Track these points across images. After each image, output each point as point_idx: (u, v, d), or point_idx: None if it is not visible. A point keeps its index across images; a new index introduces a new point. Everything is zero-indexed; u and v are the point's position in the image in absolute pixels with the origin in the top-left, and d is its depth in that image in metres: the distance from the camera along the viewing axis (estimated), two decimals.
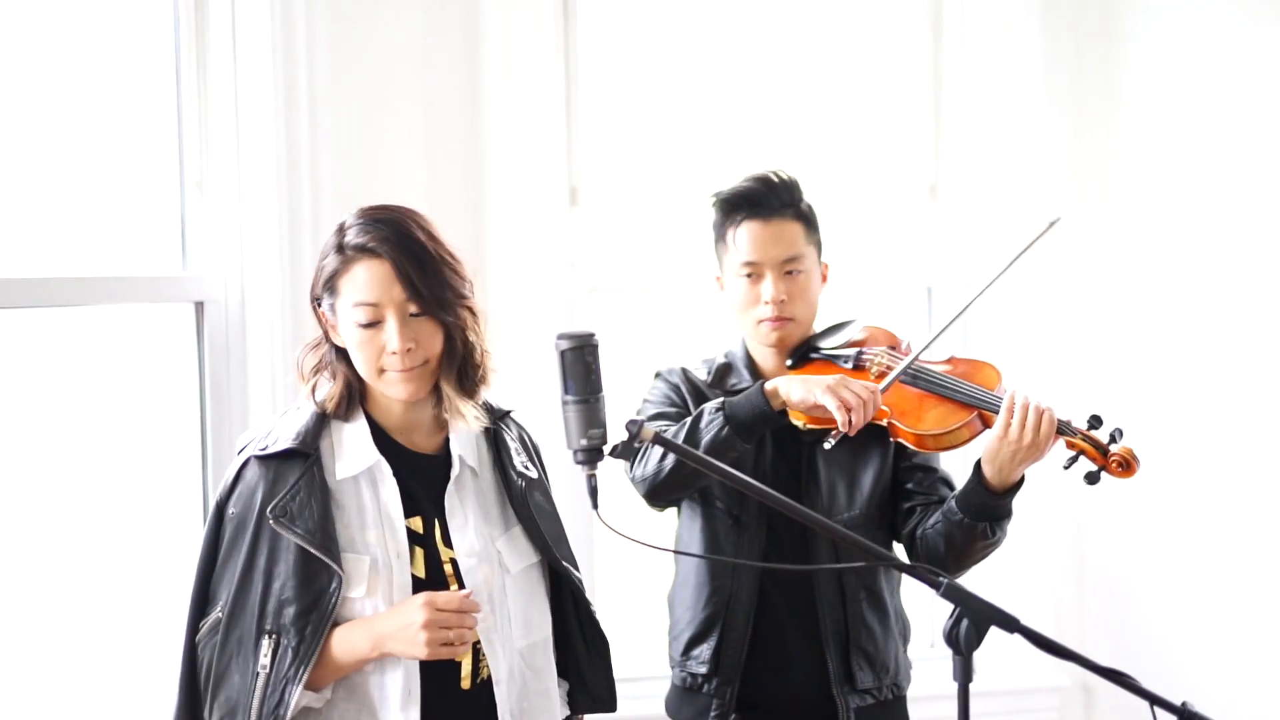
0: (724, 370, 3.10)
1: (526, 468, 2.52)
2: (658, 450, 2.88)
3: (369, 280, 2.31)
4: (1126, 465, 2.76)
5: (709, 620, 3.01)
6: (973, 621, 2.13)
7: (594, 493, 2.16)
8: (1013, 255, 3.02)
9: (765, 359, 3.07)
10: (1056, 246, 4.13)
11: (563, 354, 2.15)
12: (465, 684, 2.37)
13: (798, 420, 2.89)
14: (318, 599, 2.27)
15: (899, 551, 3.05)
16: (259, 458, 2.34)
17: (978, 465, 2.81)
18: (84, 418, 3.25)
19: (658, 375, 3.12)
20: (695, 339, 4.11)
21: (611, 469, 2.27)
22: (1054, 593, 4.15)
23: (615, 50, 3.99)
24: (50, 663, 3.19)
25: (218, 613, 2.31)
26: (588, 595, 2.56)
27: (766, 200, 2.99)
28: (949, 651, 2.16)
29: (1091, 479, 2.78)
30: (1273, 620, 3.81)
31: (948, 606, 2.15)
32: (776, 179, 3.02)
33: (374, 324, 2.32)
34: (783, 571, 2.98)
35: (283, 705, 2.24)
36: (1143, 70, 4.08)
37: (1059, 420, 2.76)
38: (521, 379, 3.62)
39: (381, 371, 2.33)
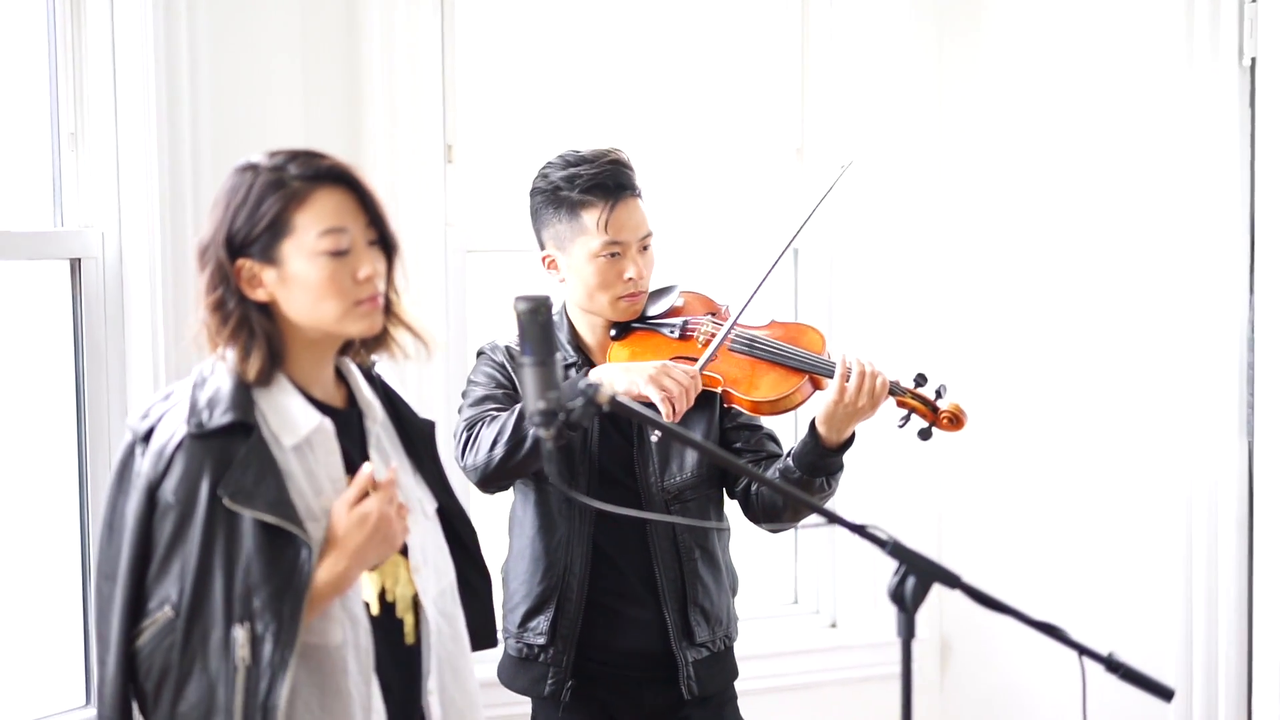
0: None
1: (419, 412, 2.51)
2: (487, 438, 2.91)
3: (337, 207, 2.23)
4: (955, 420, 2.96)
5: (545, 593, 3.06)
6: (917, 579, 2.18)
7: (549, 456, 2.14)
8: (809, 209, 3.16)
9: (589, 329, 3.11)
10: (918, 210, 4.23)
11: (519, 315, 2.13)
12: (409, 639, 2.36)
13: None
14: (290, 576, 2.15)
15: (732, 508, 3.18)
16: (196, 437, 2.17)
17: (812, 425, 2.94)
18: None
19: (480, 353, 3.11)
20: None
21: None
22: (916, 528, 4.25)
23: (492, 8, 3.95)
24: None
25: (167, 611, 2.15)
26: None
27: (622, 180, 3.02)
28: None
29: (924, 435, 2.97)
30: (1129, 575, 3.96)
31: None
32: (621, 159, 3.06)
33: (342, 252, 2.22)
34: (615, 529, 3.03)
35: (273, 696, 2.12)
36: (1005, 27, 4.17)
37: (890, 381, 2.93)
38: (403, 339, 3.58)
39: (354, 305, 2.23)
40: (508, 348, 3.07)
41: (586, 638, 3.06)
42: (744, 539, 3.30)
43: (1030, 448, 4.18)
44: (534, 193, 3.10)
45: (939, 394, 2.99)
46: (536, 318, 2.13)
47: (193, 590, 2.14)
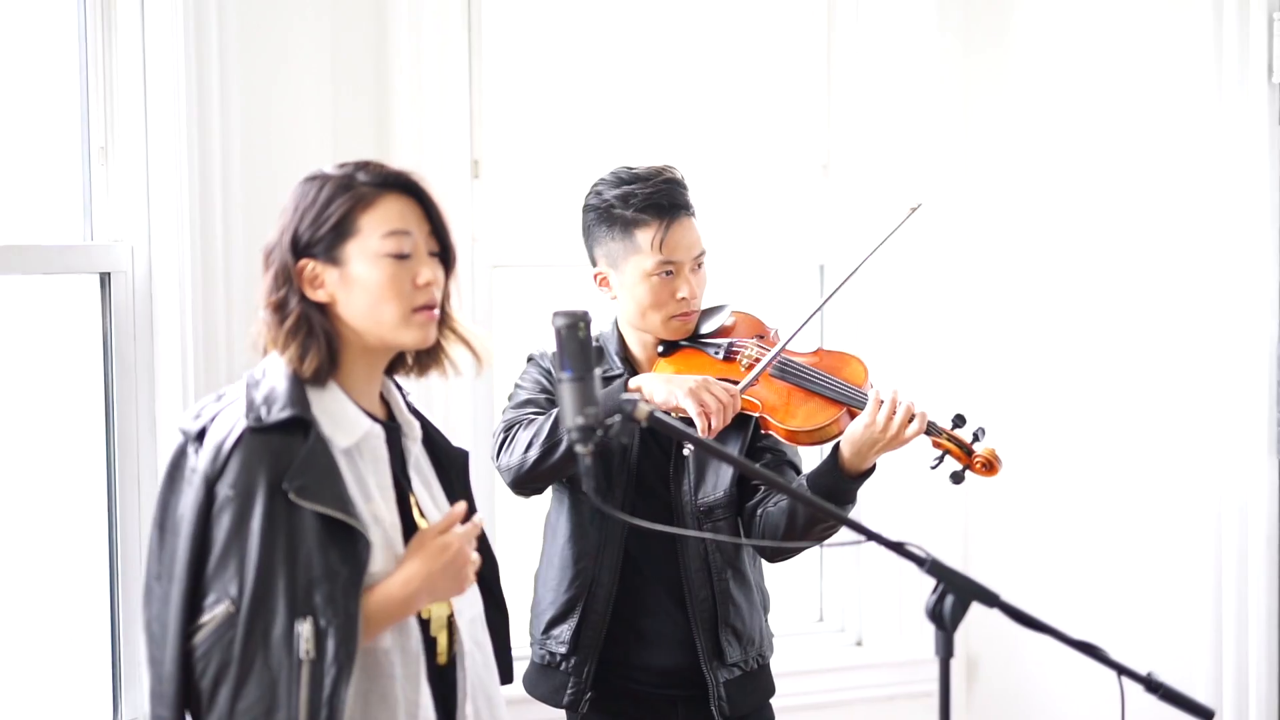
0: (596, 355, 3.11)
1: (454, 441, 2.50)
2: (523, 440, 2.91)
3: (401, 211, 2.25)
4: (989, 466, 2.90)
5: (571, 602, 3.05)
6: (956, 597, 2.17)
7: (588, 472, 2.13)
8: (873, 247, 3.12)
9: (639, 345, 3.11)
10: (941, 234, 4.22)
11: (558, 331, 2.12)
12: (442, 659, 2.33)
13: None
14: (352, 571, 2.14)
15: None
16: (255, 430, 2.15)
17: (835, 448, 2.90)
18: None
19: (530, 359, 3.12)
20: (597, 314, 4.10)
21: None
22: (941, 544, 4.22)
23: (519, 24, 3.95)
24: None
25: (226, 606, 2.11)
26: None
27: (676, 199, 3.01)
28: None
29: (956, 479, 2.92)
30: (1161, 593, 3.94)
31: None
32: (675, 177, 3.05)
33: (404, 256, 2.23)
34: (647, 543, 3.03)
35: (338, 691, 2.09)
36: (1032, 45, 4.17)
37: (928, 421, 2.87)
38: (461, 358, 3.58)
39: (411, 312, 2.24)
40: (554, 354, 3.06)
41: (611, 651, 3.05)
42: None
43: (1058, 464, 4.16)
44: (586, 210, 3.09)
45: (976, 437, 2.93)
46: (575, 333, 2.12)
47: (254, 585, 2.11)
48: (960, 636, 4.20)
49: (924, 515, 4.22)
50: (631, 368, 3.09)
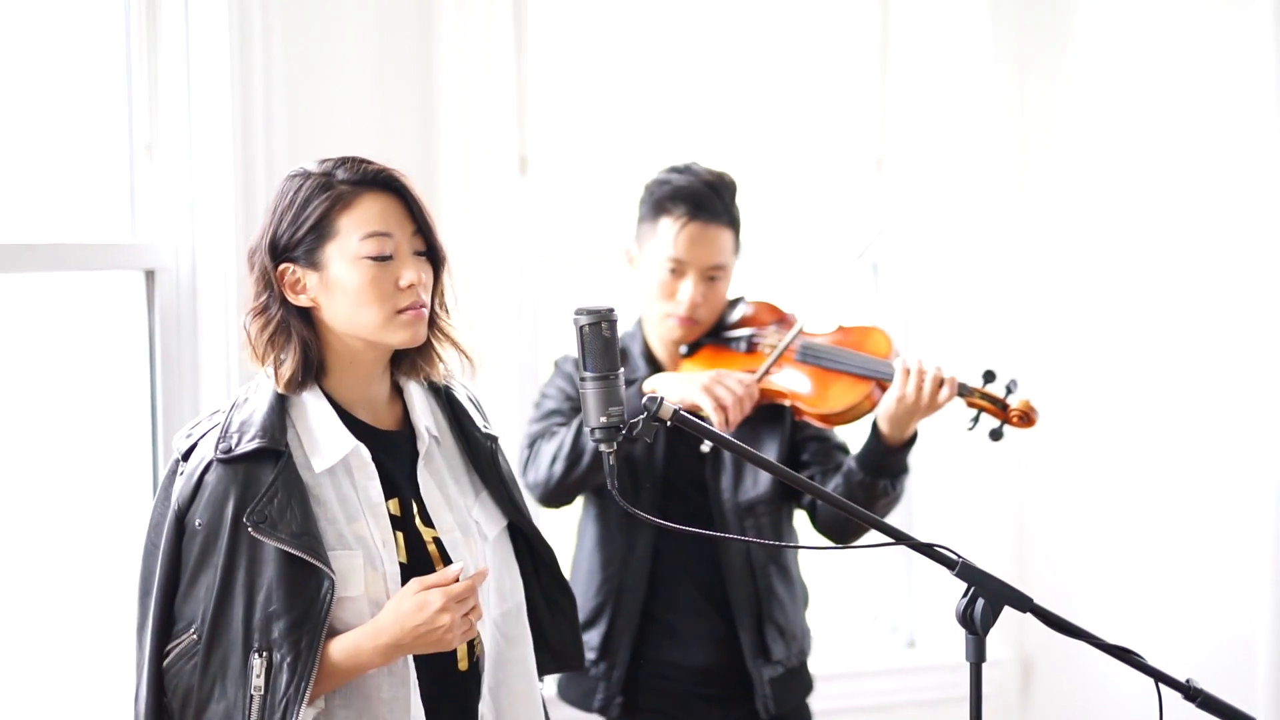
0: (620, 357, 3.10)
1: (487, 427, 2.45)
2: (547, 455, 2.93)
3: (381, 211, 2.20)
4: (1026, 417, 2.85)
5: (599, 608, 3.06)
6: (987, 601, 2.13)
7: (612, 471, 2.10)
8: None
9: (661, 343, 3.11)
10: (999, 223, 4.16)
11: (581, 329, 2.09)
12: (463, 665, 2.31)
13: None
14: (309, 607, 2.11)
15: (802, 520, 3.14)
16: (223, 461, 2.14)
17: (875, 425, 2.89)
18: (29, 389, 3.15)
19: (556, 365, 3.12)
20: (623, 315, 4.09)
21: None
22: (994, 567, 4.17)
23: (567, 19, 3.94)
24: None
25: (191, 634, 2.14)
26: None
27: (709, 204, 3.00)
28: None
29: (995, 435, 2.87)
30: (1215, 595, 3.87)
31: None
32: (721, 182, 3.03)
33: (385, 258, 2.19)
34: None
35: None
36: (1089, 45, 4.11)
37: (956, 381, 2.85)
38: (471, 350, 3.57)
39: (395, 313, 2.20)
40: (576, 360, 3.05)
41: (643, 650, 3.05)
42: (819, 554, 3.25)
43: (1112, 464, 4.10)
44: (645, 186, 3.10)
45: (1009, 390, 2.89)
46: (599, 331, 2.09)
47: (213, 615, 2.12)
48: (1015, 639, 4.21)
49: (974, 515, 4.17)
50: (656, 369, 3.08)
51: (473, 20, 3.70)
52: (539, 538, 2.45)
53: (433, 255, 2.28)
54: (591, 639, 3.05)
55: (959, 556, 2.13)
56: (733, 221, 3.04)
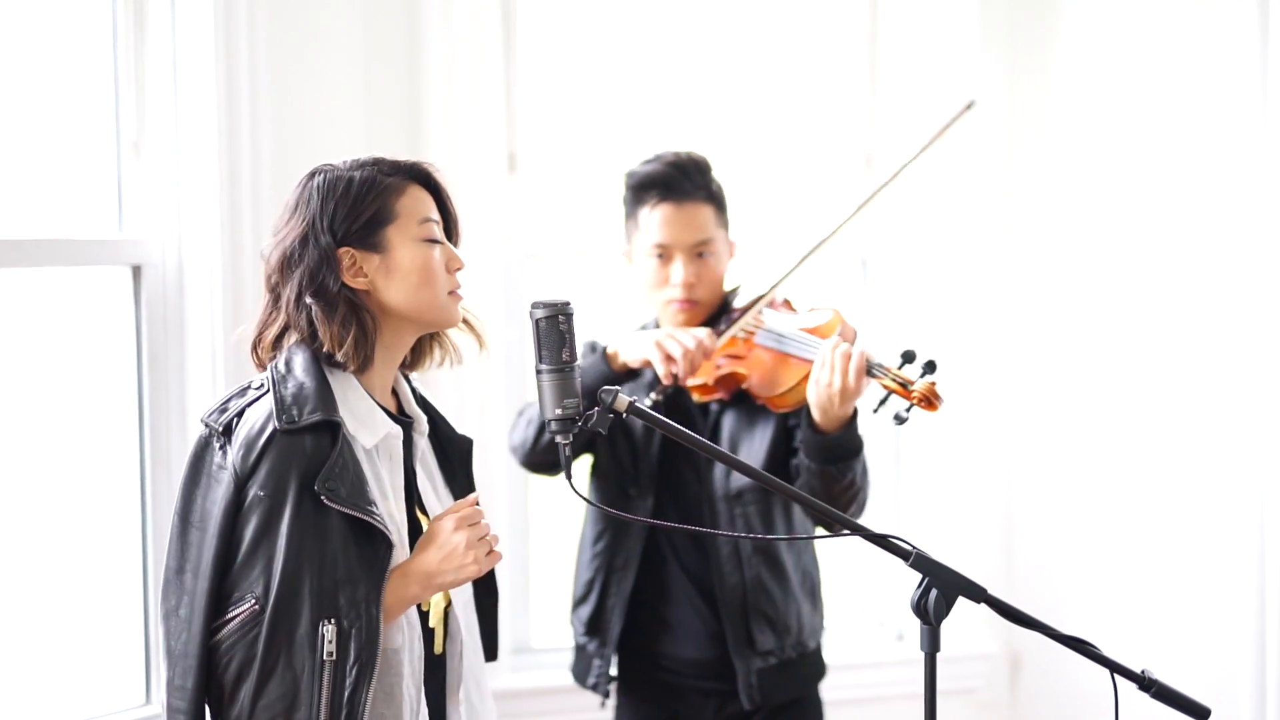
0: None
1: (458, 428, 2.53)
2: (524, 420, 2.99)
3: (424, 200, 2.32)
4: (927, 400, 2.72)
5: (588, 583, 3.10)
6: (940, 591, 2.15)
7: (567, 463, 2.15)
8: (917, 148, 3.19)
9: None
10: (988, 219, 4.17)
11: (537, 322, 2.13)
12: (438, 649, 2.36)
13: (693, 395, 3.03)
14: (373, 574, 2.16)
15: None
16: (286, 432, 2.17)
17: (807, 411, 2.85)
18: (16, 384, 3.19)
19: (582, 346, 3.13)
20: (634, 305, 4.11)
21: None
22: (984, 565, 4.18)
23: (555, 16, 3.96)
24: None
25: (251, 604, 2.14)
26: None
27: (678, 184, 3.01)
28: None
29: (898, 420, 2.74)
30: (1203, 592, 3.87)
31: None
32: (688, 161, 3.04)
33: (438, 242, 2.31)
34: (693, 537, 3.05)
35: (358, 694, 2.13)
36: (1077, 39, 4.11)
37: (869, 362, 2.77)
38: (460, 345, 3.60)
39: (448, 294, 2.31)
40: (591, 344, 3.10)
41: (637, 640, 3.07)
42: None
43: (1102, 465, 4.11)
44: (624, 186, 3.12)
45: (926, 371, 2.74)
46: (555, 324, 2.13)
47: (280, 585, 2.13)
48: (1003, 632, 4.21)
49: (964, 519, 4.18)
50: None
51: (460, 16, 3.72)
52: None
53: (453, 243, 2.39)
54: (582, 614, 3.10)
55: (913, 547, 2.15)
56: (710, 196, 3.04)
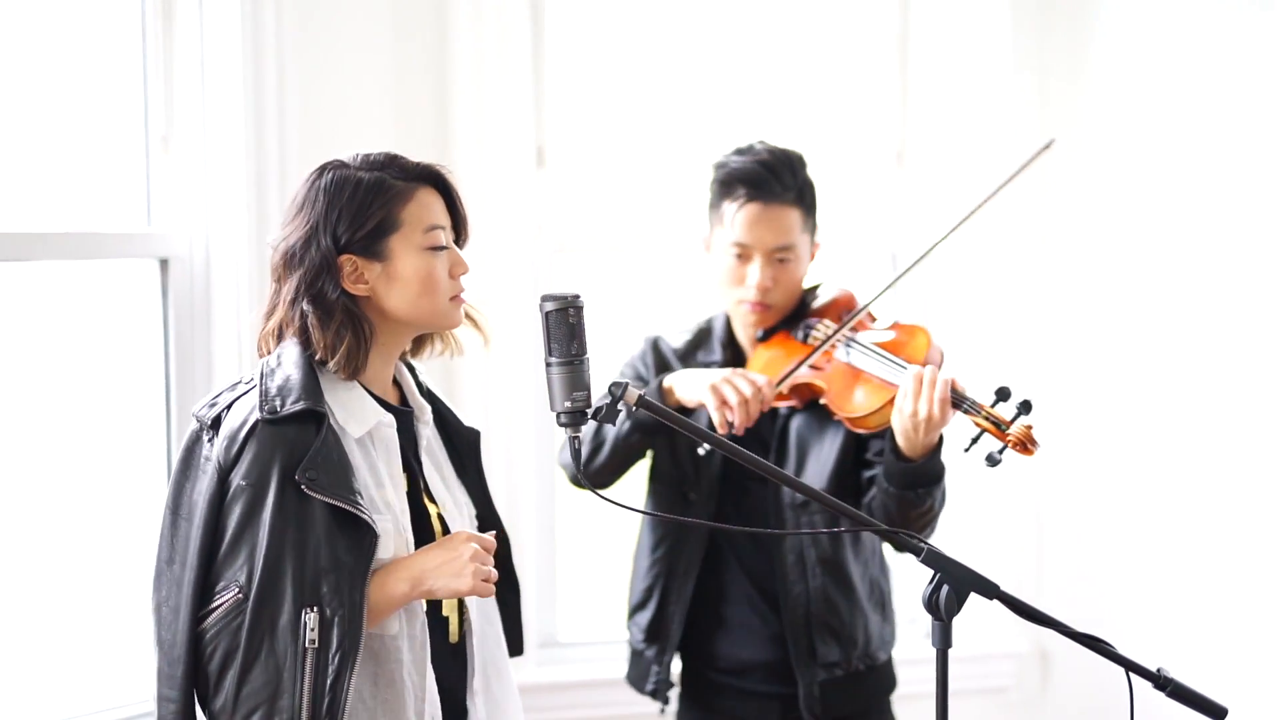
0: (699, 340, 3.08)
1: (466, 421, 2.54)
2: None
3: (433, 205, 2.32)
4: (1023, 445, 2.58)
5: (648, 589, 3.04)
6: (952, 588, 2.14)
7: (576, 455, 2.15)
8: (996, 186, 3.04)
9: (743, 326, 3.04)
10: (1020, 216, 4.14)
11: (546, 315, 2.13)
12: (454, 638, 2.38)
13: None
14: (357, 563, 2.16)
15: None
16: (269, 422, 2.18)
17: (891, 436, 2.74)
18: (46, 375, 3.22)
19: (644, 340, 3.11)
20: (663, 299, 4.12)
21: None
22: (1014, 563, 4.15)
23: (583, 10, 3.96)
24: (3, 618, 3.16)
25: (235, 593, 2.16)
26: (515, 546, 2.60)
27: (767, 184, 2.90)
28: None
29: (991, 461, 2.58)
30: (1229, 588, 3.84)
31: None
32: (781, 159, 2.94)
33: (443, 248, 2.31)
34: (738, 535, 2.99)
35: (340, 681, 2.13)
36: (1111, 32, 4.08)
37: (961, 396, 2.66)
38: (465, 337, 3.61)
39: (450, 300, 2.32)
40: (656, 339, 3.07)
41: (694, 640, 3.01)
42: None
43: (1135, 472, 4.08)
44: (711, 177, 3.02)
45: (1021, 411, 2.60)
46: (565, 317, 2.12)
47: (263, 573, 2.15)
48: (1034, 631, 4.18)
49: (996, 528, 4.15)
50: (737, 353, 3.03)
51: (489, 10, 3.72)
52: (500, 532, 2.52)
53: (459, 241, 2.40)
54: (641, 620, 3.04)
55: (924, 543, 2.14)
56: (799, 198, 2.93)
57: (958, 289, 4.13)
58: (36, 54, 3.16)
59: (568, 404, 2.12)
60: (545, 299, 2.13)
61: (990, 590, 2.15)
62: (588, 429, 2.88)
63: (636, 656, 3.10)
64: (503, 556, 2.52)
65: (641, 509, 2.88)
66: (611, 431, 2.91)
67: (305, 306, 2.25)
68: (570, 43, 3.94)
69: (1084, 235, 4.17)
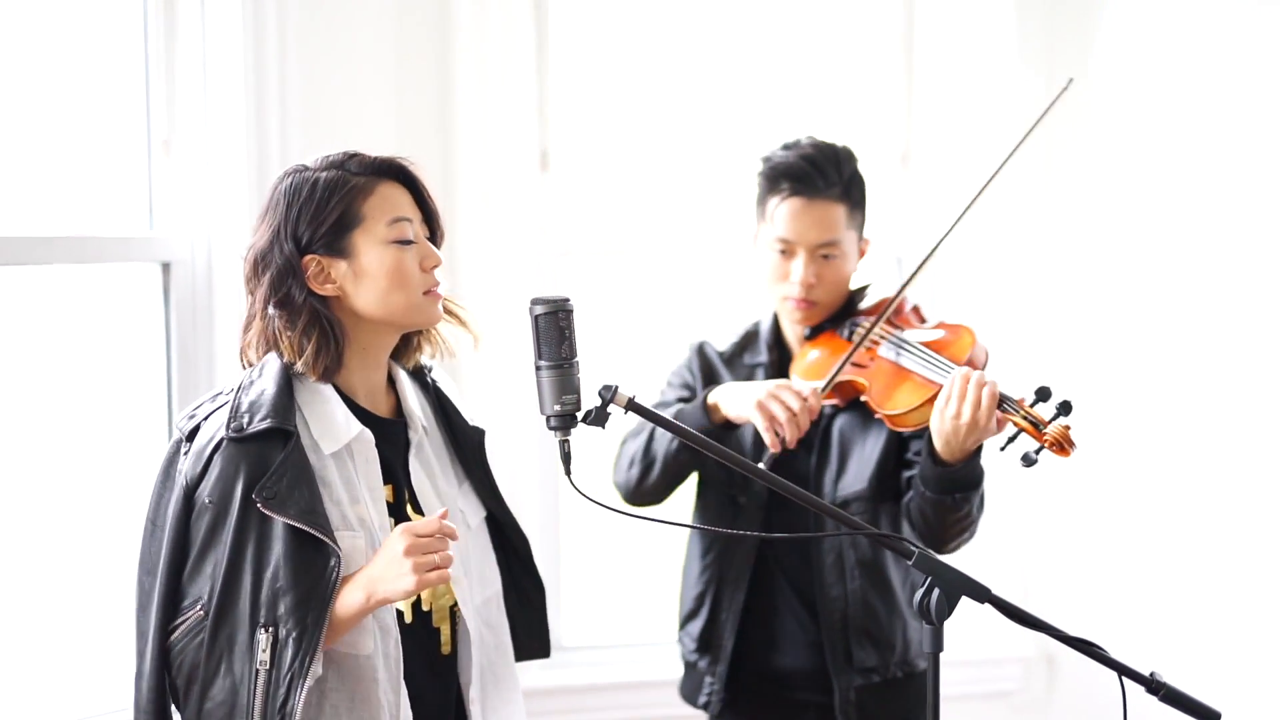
0: (746, 342, 3.05)
1: (473, 419, 2.52)
2: (625, 457, 2.91)
3: (395, 198, 2.28)
4: (1060, 445, 2.53)
5: (699, 599, 3.00)
6: (944, 591, 2.13)
7: (566, 459, 2.14)
8: (1022, 135, 2.98)
9: (790, 328, 3.01)
10: (1025, 218, 4.14)
11: (536, 319, 2.13)
12: (445, 649, 2.37)
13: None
14: (315, 584, 2.15)
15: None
16: (234, 440, 2.19)
17: (929, 439, 2.69)
18: (48, 379, 3.23)
19: (689, 347, 3.08)
20: (667, 302, 4.12)
21: (583, 435, 2.25)
22: (1008, 567, 4.14)
23: (587, 13, 3.97)
24: (4, 621, 3.17)
25: (197, 611, 2.18)
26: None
27: (811, 179, 2.87)
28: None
29: (1026, 461, 2.53)
30: (1231, 590, 3.83)
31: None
32: (827, 154, 2.91)
33: (409, 242, 2.27)
34: (777, 542, 2.95)
35: (289, 703, 2.12)
36: (1116, 36, 4.07)
37: (1001, 395, 2.60)
38: (492, 344, 3.60)
39: (422, 295, 2.27)
40: (701, 344, 3.04)
41: (744, 651, 2.97)
42: None
43: (1118, 469, 4.07)
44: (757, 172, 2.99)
45: (1060, 412, 2.53)
46: (555, 320, 2.12)
47: (221, 591, 2.16)
48: (1039, 636, 4.15)
49: (984, 527, 4.12)
50: (784, 352, 3.00)
51: (492, 14, 3.73)
52: (515, 528, 2.52)
53: (434, 238, 2.36)
54: (693, 630, 3.00)
55: (917, 547, 2.13)
56: (845, 194, 2.90)
57: (956, 289, 4.11)
58: (38, 57, 3.16)
59: (557, 407, 2.12)
60: (535, 302, 2.13)
61: (982, 594, 2.14)
62: (637, 449, 2.90)
63: (690, 669, 3.06)
64: (523, 555, 2.54)
65: (654, 518, 2.88)
66: (661, 450, 2.88)
67: (271, 310, 2.25)
68: (574, 46, 3.94)
69: (1086, 231, 4.16)
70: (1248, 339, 3.76)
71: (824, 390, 2.79)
